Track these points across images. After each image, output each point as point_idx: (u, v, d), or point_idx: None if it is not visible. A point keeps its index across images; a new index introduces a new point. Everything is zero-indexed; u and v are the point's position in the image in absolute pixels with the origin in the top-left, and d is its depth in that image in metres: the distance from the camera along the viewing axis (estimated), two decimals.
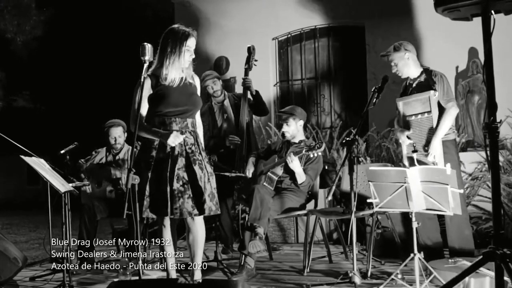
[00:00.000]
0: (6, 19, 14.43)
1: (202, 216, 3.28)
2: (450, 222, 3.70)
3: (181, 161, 3.19)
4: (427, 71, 3.84)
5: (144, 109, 3.25)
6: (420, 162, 3.66)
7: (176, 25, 3.28)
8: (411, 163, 3.71)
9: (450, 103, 3.68)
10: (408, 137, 3.82)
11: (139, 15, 15.21)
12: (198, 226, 3.27)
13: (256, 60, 4.85)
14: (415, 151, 3.74)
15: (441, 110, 3.71)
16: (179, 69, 3.25)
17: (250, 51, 4.84)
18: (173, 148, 3.19)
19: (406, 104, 3.87)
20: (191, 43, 3.25)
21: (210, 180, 3.27)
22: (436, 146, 3.64)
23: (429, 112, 3.70)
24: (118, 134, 4.78)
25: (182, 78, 3.29)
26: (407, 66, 3.84)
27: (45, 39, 15.59)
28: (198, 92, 3.40)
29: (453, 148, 3.77)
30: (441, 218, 3.94)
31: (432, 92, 3.69)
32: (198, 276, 3.28)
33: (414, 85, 3.88)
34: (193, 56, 3.30)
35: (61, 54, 17.26)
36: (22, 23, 14.76)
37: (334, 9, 6.43)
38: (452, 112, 3.67)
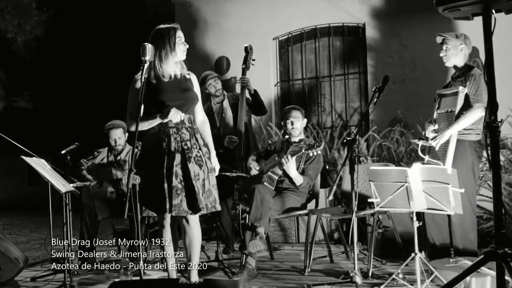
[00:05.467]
0: (7, 19, 14.43)
1: (197, 217, 3.28)
2: (456, 223, 3.67)
3: (178, 158, 3.19)
4: (469, 67, 3.79)
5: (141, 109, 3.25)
6: (427, 151, 3.68)
7: (158, 26, 3.31)
8: (423, 151, 3.74)
9: (477, 104, 3.59)
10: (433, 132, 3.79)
11: (140, 16, 15.21)
12: (193, 227, 3.27)
13: (253, 60, 4.85)
14: (421, 138, 3.74)
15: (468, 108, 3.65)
16: (174, 63, 3.29)
17: (248, 50, 4.83)
18: (169, 145, 3.20)
19: (442, 97, 3.85)
20: (180, 34, 3.30)
21: (209, 176, 3.27)
22: (446, 135, 3.59)
23: (454, 108, 3.66)
24: (118, 135, 4.79)
25: (177, 73, 3.31)
26: (455, 56, 3.80)
27: (45, 39, 15.60)
28: (196, 89, 3.39)
29: (471, 150, 3.68)
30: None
31: (461, 88, 3.65)
32: (195, 277, 3.28)
33: (454, 78, 3.87)
34: (187, 46, 3.31)
35: (62, 55, 17.27)
36: (23, 23, 14.76)
37: (335, 9, 6.43)
38: (476, 112, 3.58)
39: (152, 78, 3.24)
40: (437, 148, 3.63)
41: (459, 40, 3.79)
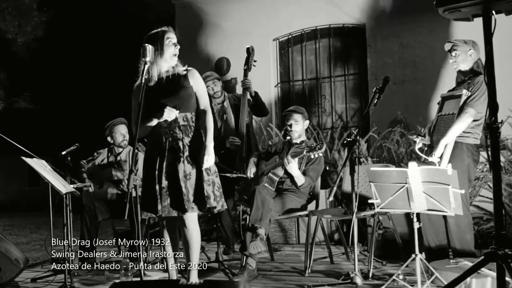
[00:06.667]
0: (7, 20, 14.45)
1: (195, 217, 3.27)
2: (453, 224, 3.67)
3: (169, 158, 3.19)
4: (476, 73, 3.78)
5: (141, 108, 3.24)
6: (425, 150, 3.70)
7: (149, 33, 3.30)
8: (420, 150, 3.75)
9: (469, 109, 3.60)
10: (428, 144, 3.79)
11: (140, 17, 15.21)
12: (190, 227, 3.25)
13: (255, 61, 4.84)
14: (418, 135, 3.74)
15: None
16: (163, 66, 3.25)
17: (249, 51, 4.82)
18: (161, 146, 3.21)
19: (445, 100, 3.85)
20: (171, 35, 3.27)
21: (209, 173, 3.26)
22: (441, 147, 3.60)
23: (456, 111, 3.66)
24: (125, 130, 4.80)
25: (168, 75, 3.28)
26: (465, 61, 3.81)
27: (46, 40, 15.61)
28: (194, 84, 3.33)
29: (467, 152, 3.68)
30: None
31: (465, 91, 3.65)
32: (194, 278, 3.28)
33: (460, 83, 3.87)
34: (178, 47, 3.28)
35: (62, 55, 17.29)
36: (23, 24, 14.77)
37: (335, 10, 6.43)
38: (465, 118, 3.59)
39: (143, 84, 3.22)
40: (439, 160, 3.62)
41: (468, 45, 3.79)
